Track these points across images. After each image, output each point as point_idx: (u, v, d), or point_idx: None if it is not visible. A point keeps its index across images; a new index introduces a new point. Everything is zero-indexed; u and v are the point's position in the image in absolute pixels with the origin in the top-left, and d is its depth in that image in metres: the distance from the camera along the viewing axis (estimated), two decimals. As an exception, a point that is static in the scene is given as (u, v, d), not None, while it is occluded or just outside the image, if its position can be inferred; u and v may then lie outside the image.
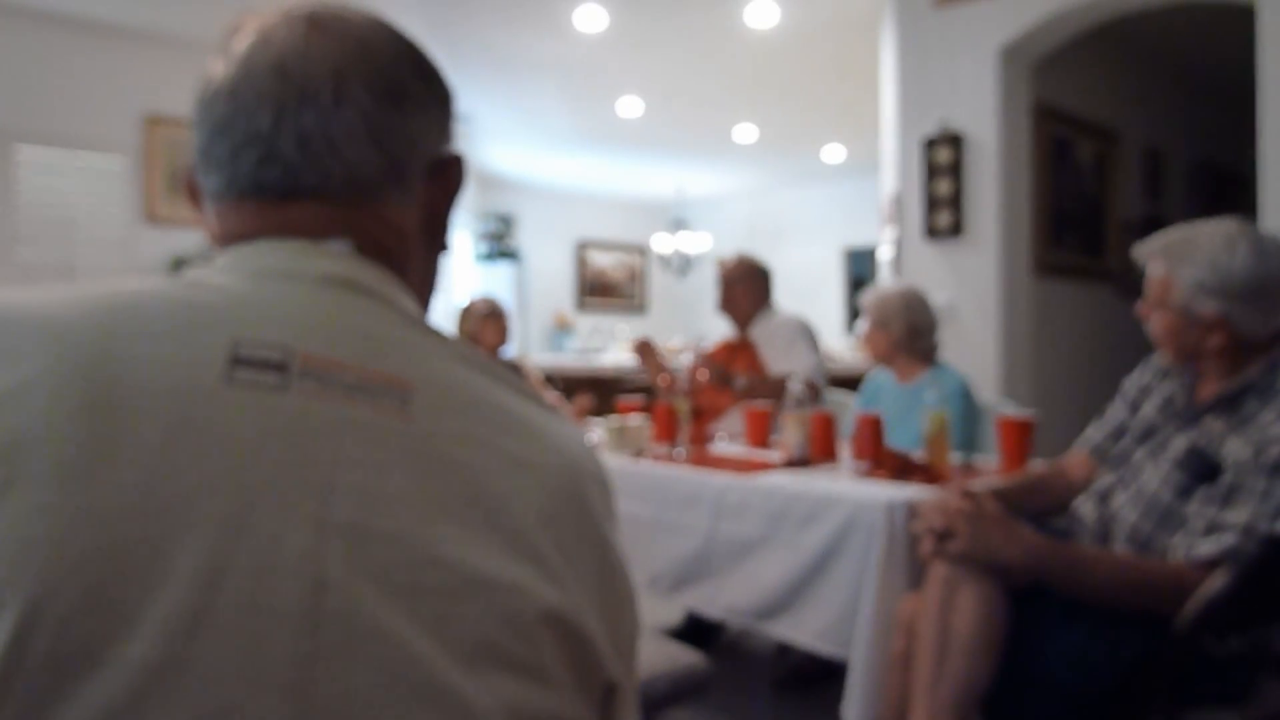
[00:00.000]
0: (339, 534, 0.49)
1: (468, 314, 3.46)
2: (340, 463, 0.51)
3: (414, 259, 0.68)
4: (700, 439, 2.55)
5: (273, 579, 0.48)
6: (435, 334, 0.60)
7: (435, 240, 0.70)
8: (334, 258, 0.60)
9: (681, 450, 2.48)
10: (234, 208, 0.63)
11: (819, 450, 2.23)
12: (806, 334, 3.02)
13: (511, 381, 0.61)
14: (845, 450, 2.34)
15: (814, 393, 2.76)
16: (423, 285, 0.70)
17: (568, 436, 0.60)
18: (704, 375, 2.74)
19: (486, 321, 3.42)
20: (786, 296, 3.11)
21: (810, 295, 8.43)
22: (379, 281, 0.61)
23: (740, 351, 3.11)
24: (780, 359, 2.98)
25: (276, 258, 0.59)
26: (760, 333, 3.07)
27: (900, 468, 1.97)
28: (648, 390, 2.98)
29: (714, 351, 3.18)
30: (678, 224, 9.05)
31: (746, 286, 3.10)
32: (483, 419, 0.56)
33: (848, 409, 2.98)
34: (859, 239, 8.41)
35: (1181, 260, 1.47)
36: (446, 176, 0.68)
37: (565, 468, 0.58)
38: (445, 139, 0.68)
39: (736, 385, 2.84)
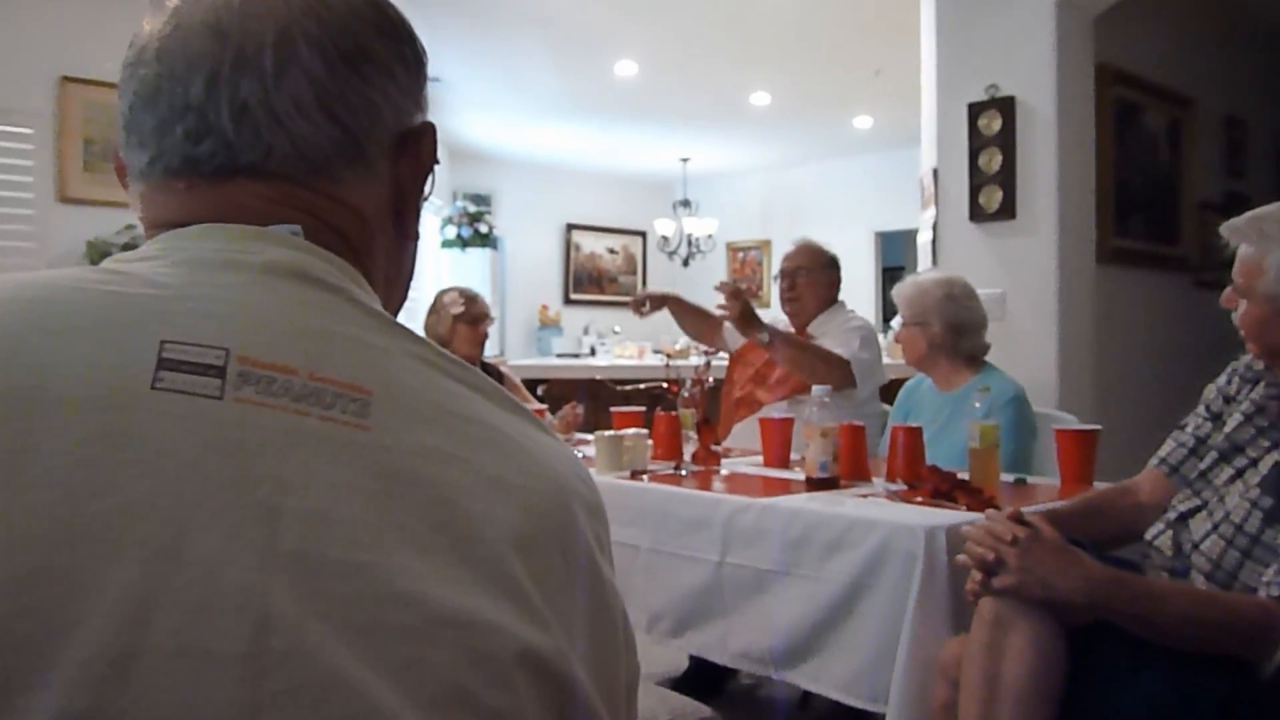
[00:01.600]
0: (286, 565, 0.49)
1: (439, 310, 3.46)
2: (287, 482, 0.51)
3: (377, 246, 0.67)
4: (708, 455, 2.56)
5: (210, 617, 0.47)
6: (399, 331, 0.60)
7: (404, 225, 0.69)
8: (280, 244, 0.60)
9: (688, 469, 2.48)
10: (163, 187, 0.62)
11: (847, 468, 2.24)
12: (868, 333, 3.05)
13: (488, 388, 0.61)
14: (878, 468, 2.34)
15: (845, 375, 2.78)
16: (390, 278, 0.70)
17: (553, 452, 0.60)
18: (732, 305, 2.77)
19: (461, 320, 3.42)
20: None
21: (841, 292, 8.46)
22: (333, 271, 0.61)
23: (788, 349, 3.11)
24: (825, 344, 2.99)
25: (212, 245, 0.59)
26: (819, 330, 3.10)
27: (942, 488, 1.98)
28: (659, 398, 2.99)
29: (746, 345, 3.19)
30: (682, 204, 9.08)
31: (813, 280, 3.13)
32: (454, 431, 0.56)
33: (880, 421, 2.99)
34: (892, 221, 8.43)
35: (1274, 241, 1.45)
36: (416, 150, 0.68)
37: (550, 489, 0.58)
38: (415, 107, 0.68)
39: (760, 338, 2.84)
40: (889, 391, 3.23)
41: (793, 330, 3.15)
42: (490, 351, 5.58)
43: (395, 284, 0.71)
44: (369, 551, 0.51)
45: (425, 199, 0.71)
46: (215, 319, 0.55)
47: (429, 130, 0.69)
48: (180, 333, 0.53)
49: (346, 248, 0.64)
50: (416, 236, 0.72)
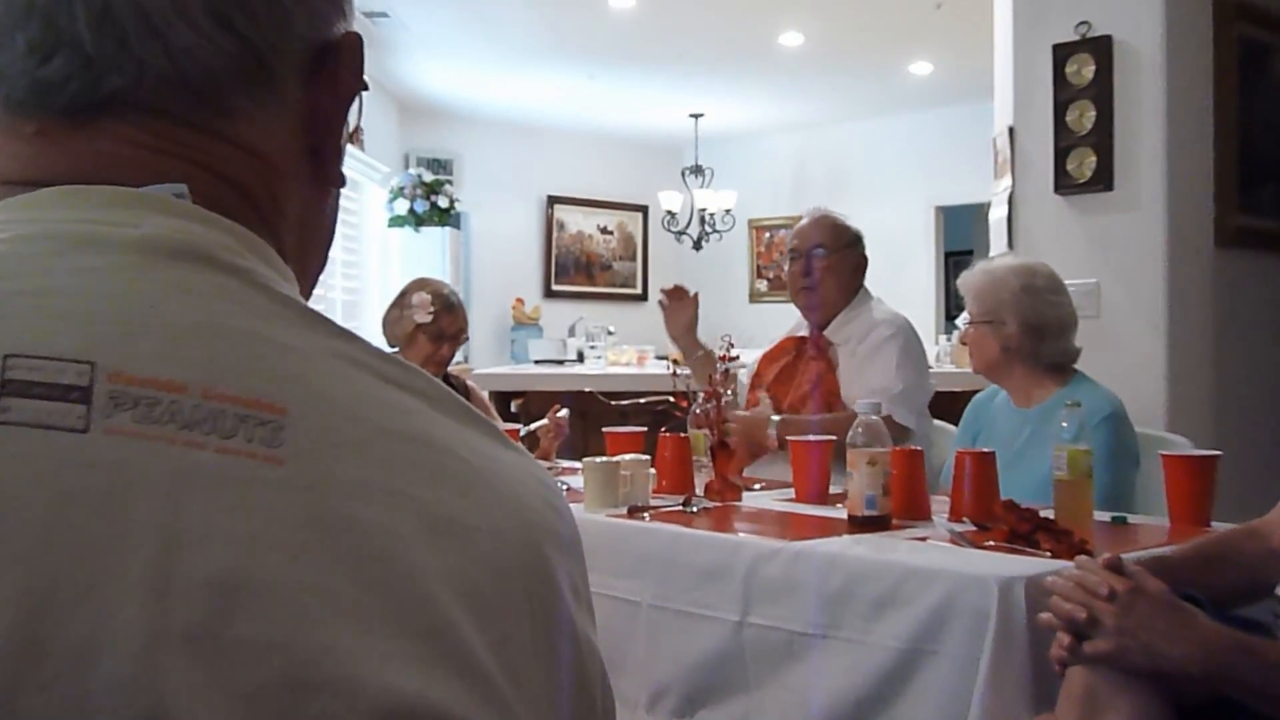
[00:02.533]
0: (180, 649, 0.48)
1: (402, 306, 3.44)
2: (178, 538, 0.49)
3: (288, 201, 0.66)
4: (726, 487, 2.56)
5: (85, 714, 0.46)
6: (319, 323, 0.58)
7: (322, 168, 0.68)
8: (160, 211, 0.58)
9: (700, 504, 2.48)
10: (4, 131, 0.60)
11: (901, 503, 2.24)
12: (907, 343, 3.06)
13: (435, 393, 0.60)
14: (939, 504, 2.34)
15: (894, 431, 2.78)
16: (303, 243, 0.68)
17: (521, 478, 0.60)
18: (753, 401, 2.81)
19: (425, 332, 3.39)
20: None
21: (886, 275, 8.45)
22: (232, 245, 0.59)
23: (804, 361, 3.13)
24: (857, 374, 3.00)
25: (69, 215, 0.57)
26: (843, 332, 3.11)
27: (1020, 529, 1.98)
28: (665, 416, 3.00)
29: (767, 354, 3.21)
30: (693, 172, 9.10)
31: (835, 263, 3.15)
32: (392, 458, 0.55)
33: (944, 444, 2.99)
34: (957, 194, 8.47)
35: None
36: (336, 69, 0.66)
37: (515, 527, 0.57)
38: (336, 12, 0.66)
39: (769, 444, 2.89)
40: (952, 406, 3.23)
41: (805, 325, 3.19)
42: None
43: (311, 250, 0.70)
44: (287, 626, 0.49)
45: (350, 136, 0.70)
46: (75, 320, 0.53)
47: (353, 42, 0.67)
48: (26, 342, 0.51)
49: (248, 208, 0.63)
50: (339, 182, 0.70)
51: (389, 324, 3.44)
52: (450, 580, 0.53)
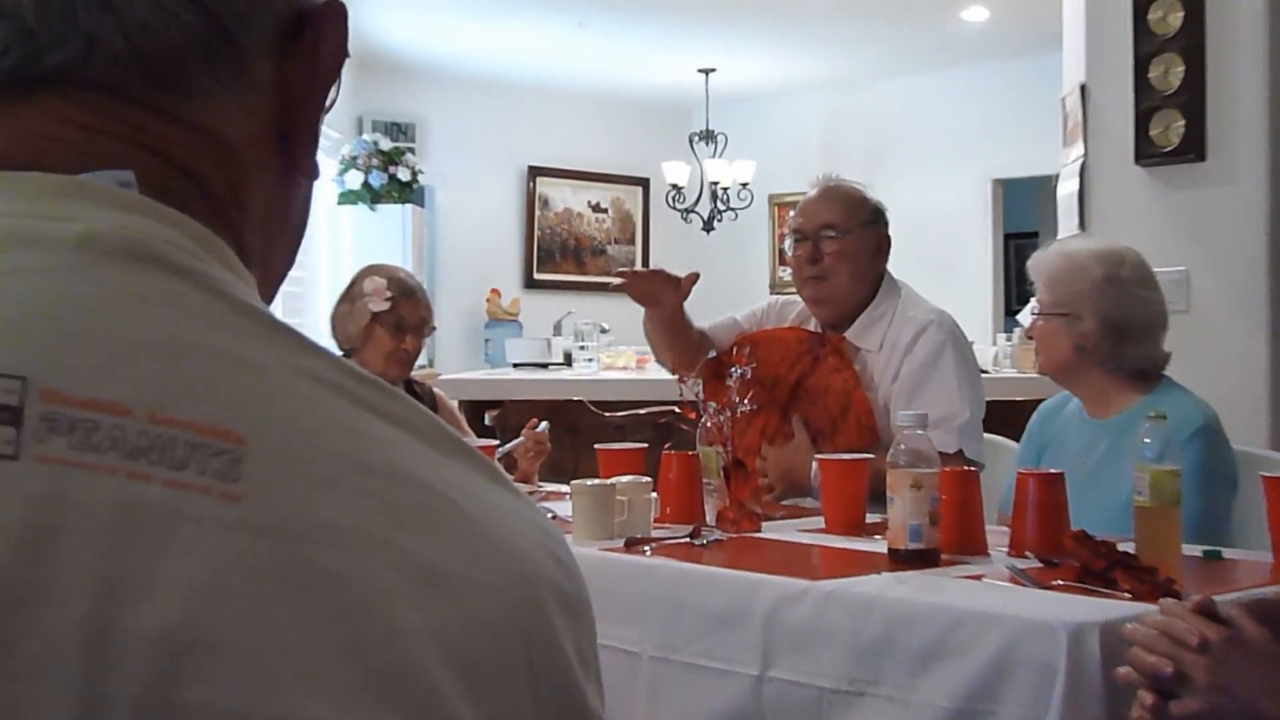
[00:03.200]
0: (122, 714, 0.49)
1: (354, 298, 3.44)
2: (119, 587, 0.50)
3: (252, 195, 0.67)
4: (742, 515, 2.56)
5: None
6: (285, 336, 0.59)
7: (294, 157, 0.69)
8: (103, 202, 0.59)
9: (711, 535, 2.48)
10: None
11: (953, 534, 2.24)
12: (959, 348, 3.02)
13: (419, 421, 0.61)
14: (997, 535, 2.35)
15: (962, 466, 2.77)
16: (269, 243, 0.70)
17: (520, 525, 0.60)
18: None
19: (382, 323, 3.40)
20: (893, 264, 3.06)
21: (933, 263, 8.46)
22: (186, 244, 0.60)
23: (823, 370, 3.08)
24: (908, 398, 2.93)
25: None
26: (870, 335, 3.08)
27: (1094, 565, 1.98)
28: (669, 431, 2.99)
29: (772, 336, 3.17)
30: (703, 139, 9.10)
31: (851, 246, 3.09)
32: (369, 497, 0.56)
33: (1001, 464, 2.99)
34: (1019, 165, 8.48)
35: None
36: (316, 43, 0.68)
37: (511, 581, 0.58)
38: None
39: (760, 477, 2.90)
40: (1013, 418, 3.23)
41: (816, 320, 3.15)
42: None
43: (276, 251, 0.71)
44: (246, 692, 0.50)
45: (325, 112, 0.71)
46: (3, 330, 0.54)
47: (335, 10, 0.68)
48: None
49: (204, 201, 0.64)
50: (312, 174, 0.71)
51: (339, 321, 3.45)
52: (437, 642, 0.54)
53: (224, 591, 0.51)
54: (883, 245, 3.14)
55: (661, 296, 3.14)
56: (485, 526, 0.58)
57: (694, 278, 3.15)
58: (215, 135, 0.65)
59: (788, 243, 3.19)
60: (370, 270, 3.50)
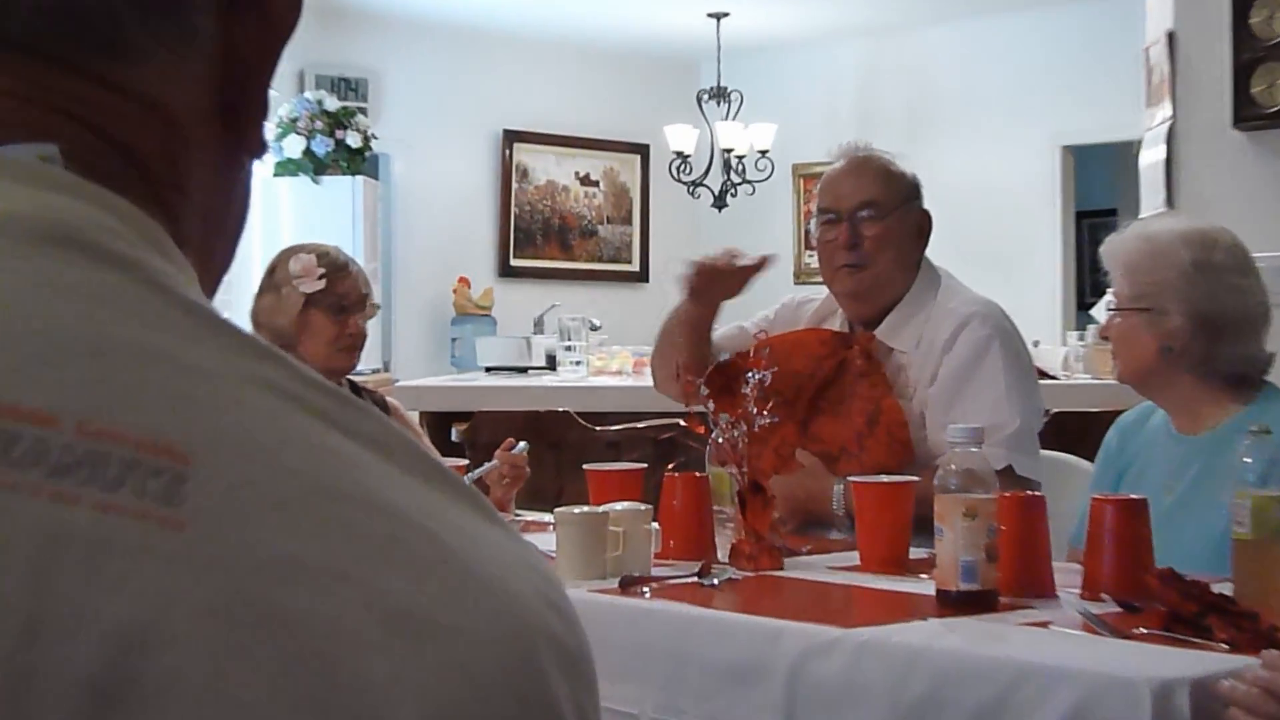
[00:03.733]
0: None
1: (279, 285, 3.45)
2: (39, 624, 0.51)
3: (191, 175, 0.68)
4: (761, 550, 2.56)
5: None
6: (234, 338, 0.60)
7: (240, 130, 0.70)
8: (23, 179, 0.60)
9: (723, 574, 2.48)
10: None
11: (1014, 573, 2.24)
12: (1008, 345, 3.02)
13: (389, 439, 0.61)
14: (1067, 573, 2.35)
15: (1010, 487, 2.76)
16: (209, 233, 0.70)
17: (511, 564, 0.61)
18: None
19: (319, 305, 3.42)
20: (941, 250, 3.05)
21: (992, 248, 8.47)
22: (118, 229, 0.60)
23: (848, 376, 3.07)
24: (948, 405, 2.93)
25: None
26: (905, 333, 3.09)
27: (1184, 610, 1.98)
28: (673, 448, 2.98)
29: (790, 340, 3.16)
30: (713, 97, 9.09)
31: (893, 227, 3.10)
32: (335, 527, 0.56)
33: (1073, 488, 2.99)
34: (1092, 128, 8.50)
35: None
36: (265, 1, 0.69)
37: (505, 634, 0.58)
38: None
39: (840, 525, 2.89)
40: (1086, 432, 3.23)
41: (838, 310, 3.16)
42: (365, 365, 5.55)
43: (218, 239, 0.72)
44: None
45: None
46: None
47: None
48: None
49: (139, 179, 0.64)
50: (259, 150, 0.72)
51: (265, 315, 3.45)
52: (414, 699, 0.54)
53: (163, 635, 0.51)
54: (924, 226, 3.16)
55: (722, 290, 3.17)
56: (472, 566, 0.59)
57: (765, 262, 3.14)
58: (153, 103, 0.65)
59: (813, 224, 3.19)
60: (292, 251, 3.54)
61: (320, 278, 3.40)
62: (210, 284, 0.72)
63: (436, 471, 0.62)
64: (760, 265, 3.12)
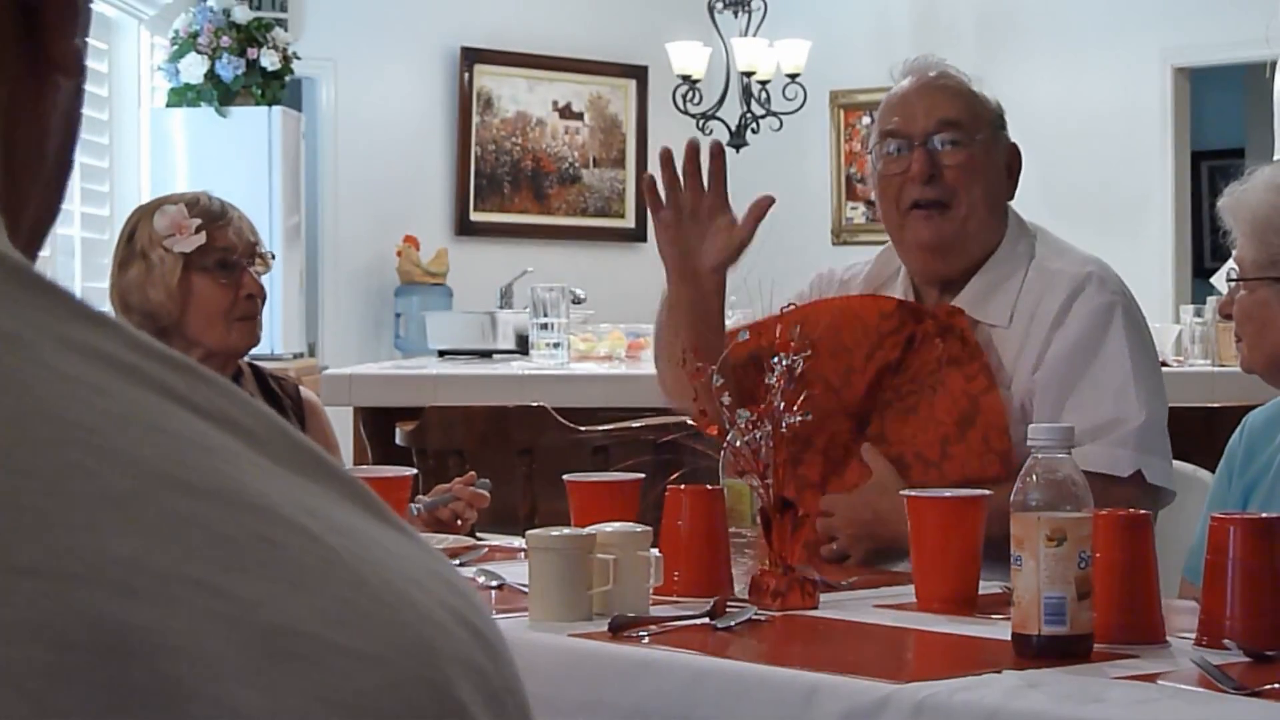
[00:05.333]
0: None
1: (147, 248, 3.45)
2: None
3: None
4: (792, 585, 2.57)
5: None
6: (57, 301, 0.61)
7: (41, 41, 0.70)
8: None
9: (741, 615, 2.48)
10: None
11: (1113, 614, 2.25)
12: (1132, 320, 3.02)
13: (269, 434, 0.62)
14: (1182, 614, 2.35)
15: (1136, 498, 2.76)
16: (12, 171, 0.71)
17: (413, 573, 0.61)
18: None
19: (199, 268, 3.41)
20: (1021, 201, 3.03)
21: (1083, 198, 8.48)
22: None
23: (924, 360, 3.05)
24: (1057, 394, 2.92)
25: None
26: (988, 304, 3.09)
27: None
28: (676, 454, 2.98)
29: (831, 321, 3.15)
30: (730, 6, 9.08)
31: (979, 157, 3.09)
32: (187, 525, 0.57)
33: (1189, 504, 2.99)
34: (1212, 45, 8.51)
35: None
36: None
37: (406, 653, 0.59)
38: None
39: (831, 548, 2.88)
40: (1205, 434, 3.23)
41: (901, 274, 3.14)
42: (274, 344, 5.54)
43: (23, 178, 0.72)
44: None
45: None
46: None
47: None
48: None
49: None
50: (73, 69, 0.72)
51: (135, 291, 3.44)
52: None
53: None
54: (1014, 164, 3.17)
55: (707, 245, 3.08)
56: (365, 574, 0.59)
57: (766, 204, 3.11)
58: None
59: (871, 158, 3.16)
60: (150, 206, 3.53)
61: (197, 230, 3.39)
62: (26, 237, 0.72)
63: (316, 462, 0.62)
64: (761, 206, 3.09)
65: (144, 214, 3.50)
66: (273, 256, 3.65)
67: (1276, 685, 1.98)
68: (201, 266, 3.40)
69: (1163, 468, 2.89)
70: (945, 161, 3.03)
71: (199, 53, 7.71)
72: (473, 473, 3.38)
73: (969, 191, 3.04)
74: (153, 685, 0.53)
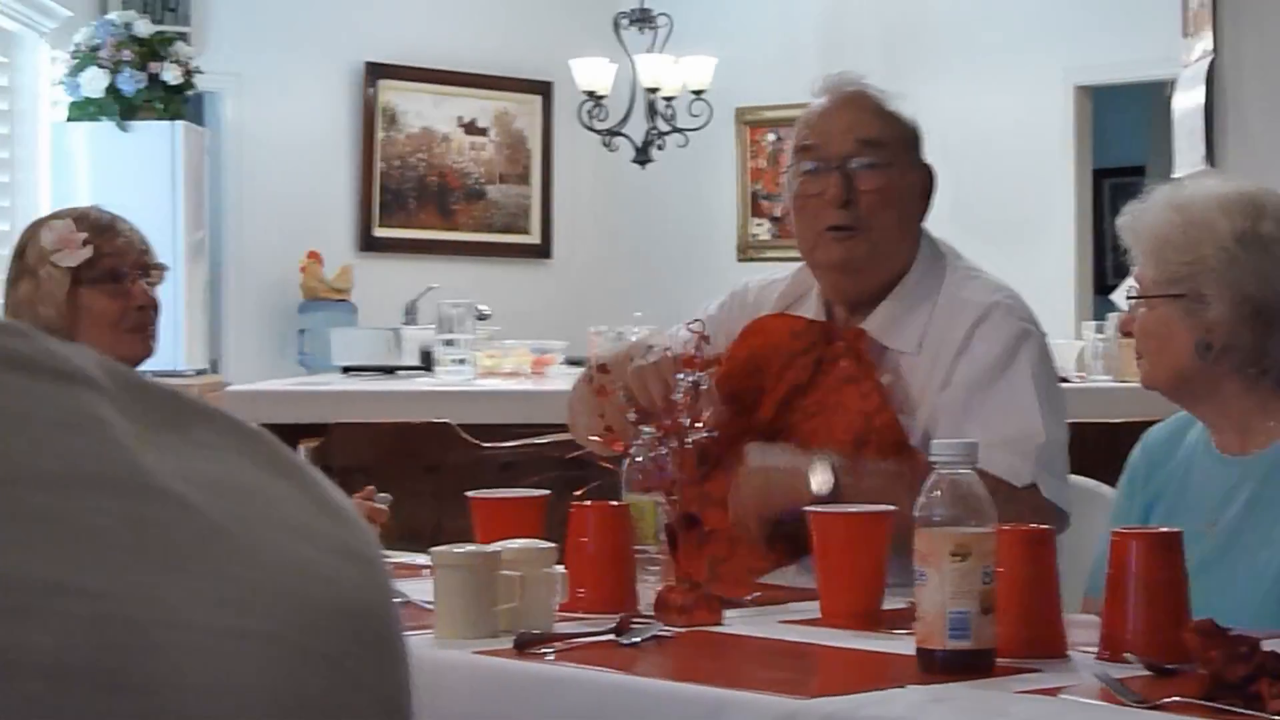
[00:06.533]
0: None
1: (36, 264, 3.42)
2: None
3: None
4: (698, 600, 2.56)
5: None
6: None
7: None
8: None
9: (647, 631, 2.48)
10: None
11: (1016, 628, 2.26)
12: (1041, 347, 3.03)
13: (122, 383, 0.61)
14: (1083, 627, 2.37)
15: (1033, 512, 2.76)
16: None
17: (291, 517, 0.61)
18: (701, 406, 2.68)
19: (88, 281, 3.38)
20: (932, 218, 3.02)
21: (987, 215, 8.51)
22: None
23: (832, 383, 3.03)
24: (950, 410, 2.95)
25: None
26: (897, 329, 3.07)
27: (1230, 674, 1.99)
28: (583, 470, 2.97)
29: (744, 366, 3.14)
30: (635, 22, 9.08)
31: (897, 180, 3.08)
32: (34, 522, 0.55)
33: (1091, 520, 3.00)
34: (1115, 63, 8.56)
35: None
36: None
37: (292, 626, 0.58)
38: None
39: (820, 488, 2.84)
40: (1106, 450, 3.25)
41: (813, 294, 3.12)
42: (177, 360, 5.51)
43: None
44: None
45: None
46: None
47: None
48: None
49: None
50: None
51: (25, 308, 3.42)
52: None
53: None
54: (928, 186, 3.16)
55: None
56: (245, 540, 0.59)
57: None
58: None
59: (786, 178, 3.13)
60: (41, 223, 3.53)
61: (84, 244, 3.38)
62: None
63: (178, 409, 0.61)
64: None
65: (34, 230, 3.49)
66: (166, 268, 3.62)
67: (1177, 699, 1.98)
68: (89, 280, 3.38)
69: (1059, 487, 2.89)
70: (862, 185, 3.02)
71: (100, 66, 7.64)
72: (371, 487, 3.36)
73: (883, 216, 3.04)
74: (20, 709, 0.52)
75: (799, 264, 3.22)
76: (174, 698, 0.54)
